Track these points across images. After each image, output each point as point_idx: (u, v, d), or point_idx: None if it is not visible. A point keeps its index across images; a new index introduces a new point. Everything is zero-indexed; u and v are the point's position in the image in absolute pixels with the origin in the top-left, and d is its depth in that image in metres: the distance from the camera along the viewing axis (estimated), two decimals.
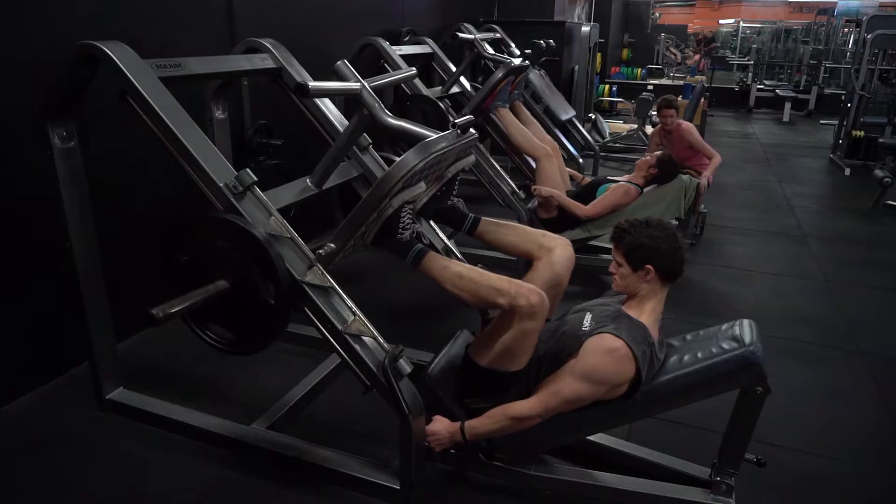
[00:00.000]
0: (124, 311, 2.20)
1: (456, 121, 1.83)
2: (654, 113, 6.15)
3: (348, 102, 1.87)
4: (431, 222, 2.31)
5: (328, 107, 2.30)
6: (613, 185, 3.49)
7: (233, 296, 1.69)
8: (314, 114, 2.28)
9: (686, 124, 4.31)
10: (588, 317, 1.69)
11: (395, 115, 1.86)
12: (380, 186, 1.67)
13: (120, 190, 2.44)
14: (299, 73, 2.28)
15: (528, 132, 4.01)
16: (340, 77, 1.88)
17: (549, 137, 4.25)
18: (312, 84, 1.66)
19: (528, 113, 4.35)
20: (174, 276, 1.72)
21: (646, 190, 3.48)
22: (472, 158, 2.03)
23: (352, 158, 2.22)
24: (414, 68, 2.10)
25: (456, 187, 2.14)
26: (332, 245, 1.74)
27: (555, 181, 3.61)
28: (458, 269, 1.83)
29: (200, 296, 1.61)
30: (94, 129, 2.15)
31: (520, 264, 3.53)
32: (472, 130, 1.89)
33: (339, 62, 1.98)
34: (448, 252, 2.28)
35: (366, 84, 1.81)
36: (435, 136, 1.73)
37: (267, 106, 2.99)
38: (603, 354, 1.57)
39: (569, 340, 1.67)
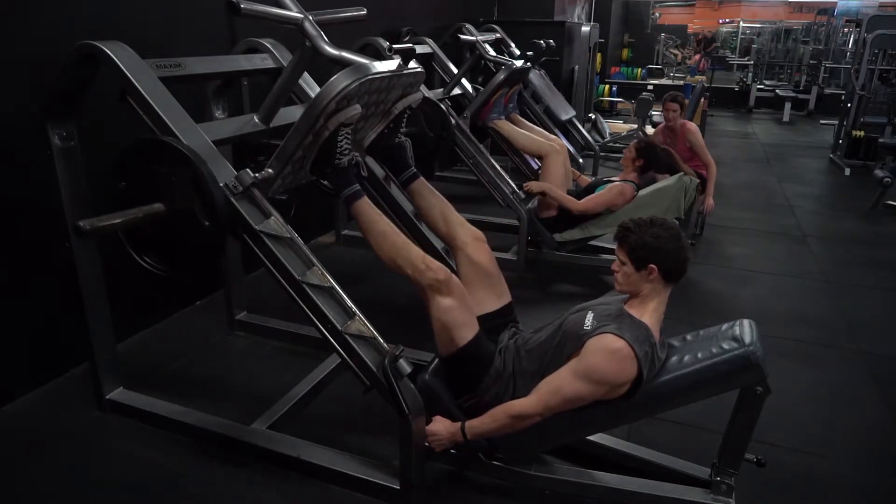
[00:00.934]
0: (124, 311, 2.20)
1: (394, 46, 1.82)
2: (656, 112, 6.17)
3: None
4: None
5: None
6: (610, 184, 3.49)
7: (169, 219, 1.67)
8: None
9: (691, 125, 4.30)
10: (590, 316, 1.68)
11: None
12: (313, 106, 1.66)
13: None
14: None
15: (529, 134, 4.01)
16: (282, 6, 1.83)
17: (554, 136, 4.26)
18: (245, 3, 1.62)
19: (525, 122, 4.35)
20: (117, 206, 1.68)
21: (645, 190, 3.48)
22: (419, 95, 2.01)
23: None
24: (363, 8, 2.07)
25: (403, 124, 2.11)
26: (270, 170, 1.74)
27: (558, 178, 3.61)
28: (383, 228, 1.85)
29: (134, 214, 1.59)
30: (94, 129, 2.15)
31: (519, 265, 3.55)
32: (415, 63, 1.88)
33: None
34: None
35: (308, 15, 1.78)
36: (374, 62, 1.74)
37: None
38: (605, 354, 1.57)
39: (570, 339, 1.67)
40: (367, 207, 1.87)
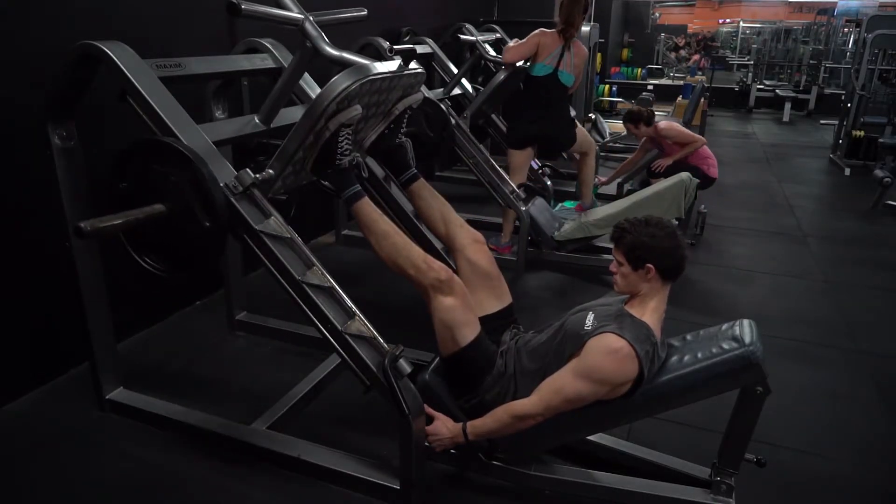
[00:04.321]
0: (124, 311, 2.20)
1: (395, 47, 1.82)
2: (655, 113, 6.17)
3: None
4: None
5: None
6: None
7: (170, 219, 1.67)
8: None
9: (661, 124, 4.30)
10: (590, 316, 1.69)
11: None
12: (314, 107, 1.66)
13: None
14: None
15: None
16: (282, 7, 1.82)
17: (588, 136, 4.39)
18: (246, 4, 1.61)
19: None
20: (117, 208, 1.67)
21: (645, 190, 3.48)
22: (419, 96, 2.01)
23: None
24: (364, 9, 2.07)
25: (404, 125, 2.11)
26: (271, 171, 1.74)
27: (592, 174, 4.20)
28: (385, 228, 1.85)
29: (135, 216, 1.59)
30: (94, 129, 2.15)
31: (519, 265, 3.55)
32: (415, 64, 1.87)
33: None
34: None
35: (309, 15, 1.78)
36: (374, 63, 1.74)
37: None
38: (606, 354, 1.57)
39: (571, 340, 1.67)
40: (367, 208, 1.86)
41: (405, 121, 2.09)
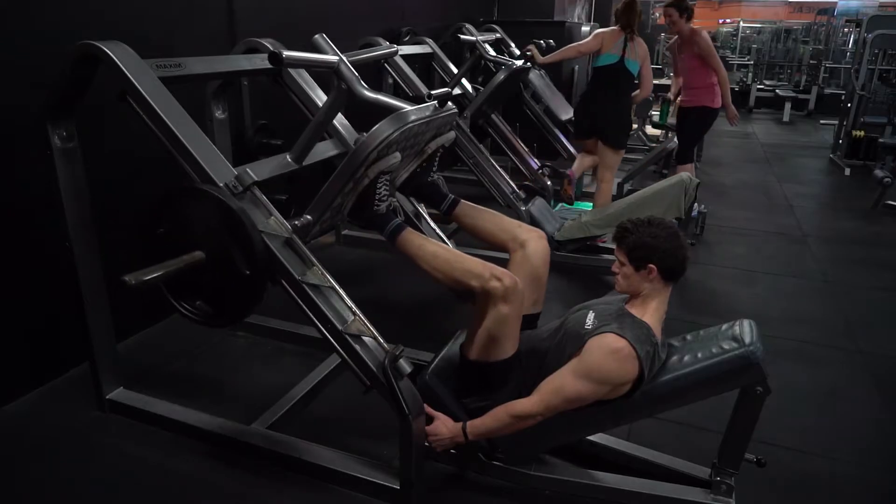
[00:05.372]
0: (124, 311, 2.20)
1: (432, 92, 1.83)
2: (655, 112, 6.16)
3: (347, 105, 1.87)
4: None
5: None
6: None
7: (209, 266, 1.67)
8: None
9: (703, 32, 4.26)
10: (591, 315, 1.69)
11: None
12: (355, 155, 1.67)
13: (120, 189, 2.44)
14: (299, 73, 2.28)
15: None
16: (318, 50, 1.85)
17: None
18: (287, 53, 1.63)
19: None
20: (154, 252, 1.69)
21: (645, 190, 3.48)
22: (451, 135, 2.03)
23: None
24: (396, 46, 2.10)
25: (436, 164, 2.13)
26: (309, 217, 1.74)
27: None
28: (433, 249, 1.83)
29: (175, 265, 1.60)
30: (94, 128, 2.15)
31: None
32: (450, 104, 1.88)
33: (316, 35, 1.94)
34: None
35: (343, 57, 1.80)
36: (411, 107, 1.74)
37: (267, 106, 2.99)
38: (606, 354, 1.57)
39: (571, 339, 1.67)
40: (411, 236, 1.85)
41: (437, 159, 2.10)
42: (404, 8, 4.71)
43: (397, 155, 1.74)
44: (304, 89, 2.29)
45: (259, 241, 1.62)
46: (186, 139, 1.71)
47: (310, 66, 1.74)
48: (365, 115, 1.86)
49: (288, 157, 1.98)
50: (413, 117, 1.72)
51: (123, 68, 1.71)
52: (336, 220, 1.90)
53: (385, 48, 2.05)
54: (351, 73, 1.78)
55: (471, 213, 2.10)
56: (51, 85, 1.83)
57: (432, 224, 2.37)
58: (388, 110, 1.76)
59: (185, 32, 2.74)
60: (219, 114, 2.41)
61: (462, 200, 2.12)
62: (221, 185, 1.68)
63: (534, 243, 1.98)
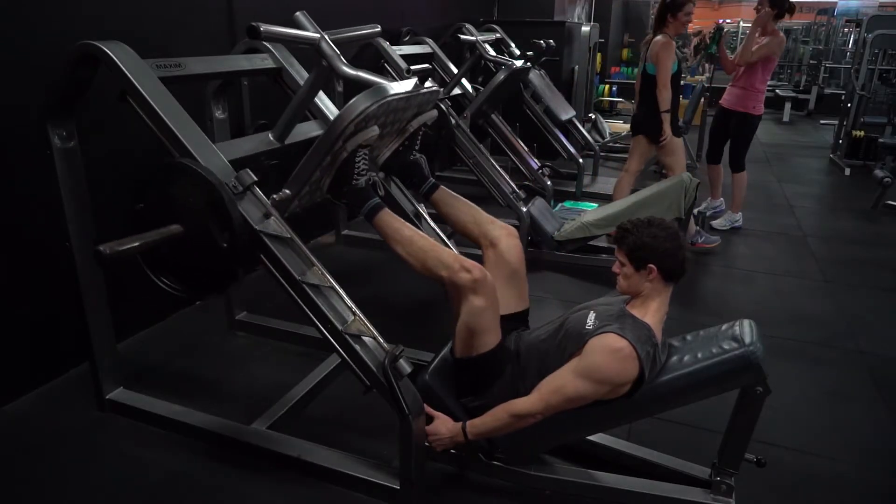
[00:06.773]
0: (124, 311, 2.20)
1: (412, 67, 1.83)
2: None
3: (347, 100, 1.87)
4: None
5: (328, 106, 2.30)
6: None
7: (187, 240, 1.66)
8: (315, 114, 2.28)
9: (780, 34, 4.29)
10: (591, 315, 1.69)
11: None
12: (332, 129, 1.66)
13: (120, 189, 2.44)
14: (299, 73, 2.28)
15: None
16: (299, 27, 1.84)
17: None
18: (266, 27, 1.61)
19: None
20: (134, 228, 1.67)
21: (645, 190, 3.48)
22: (434, 113, 2.02)
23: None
24: (378, 25, 2.09)
25: (418, 142, 2.12)
26: (287, 191, 1.73)
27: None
28: (409, 234, 1.82)
29: (152, 237, 1.58)
30: (95, 129, 2.15)
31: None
32: (431, 82, 1.87)
33: (297, 12, 1.92)
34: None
35: (325, 35, 1.78)
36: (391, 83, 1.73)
37: (267, 106, 2.99)
38: (606, 354, 1.57)
39: (572, 339, 1.67)
40: (388, 217, 1.84)
41: (419, 137, 2.09)
42: (404, 8, 4.72)
43: (375, 129, 1.72)
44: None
45: (237, 214, 1.62)
46: (186, 139, 1.71)
47: (290, 41, 1.72)
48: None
49: (270, 135, 1.97)
50: (392, 91, 1.70)
51: (123, 68, 1.71)
52: (316, 197, 1.88)
53: (368, 27, 2.03)
54: (332, 50, 1.76)
55: (449, 201, 2.11)
56: (51, 85, 1.83)
57: (432, 224, 2.36)
58: (368, 86, 1.74)
59: (185, 32, 2.75)
60: (219, 114, 2.41)
61: (442, 187, 2.13)
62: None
63: (505, 241, 1.97)
